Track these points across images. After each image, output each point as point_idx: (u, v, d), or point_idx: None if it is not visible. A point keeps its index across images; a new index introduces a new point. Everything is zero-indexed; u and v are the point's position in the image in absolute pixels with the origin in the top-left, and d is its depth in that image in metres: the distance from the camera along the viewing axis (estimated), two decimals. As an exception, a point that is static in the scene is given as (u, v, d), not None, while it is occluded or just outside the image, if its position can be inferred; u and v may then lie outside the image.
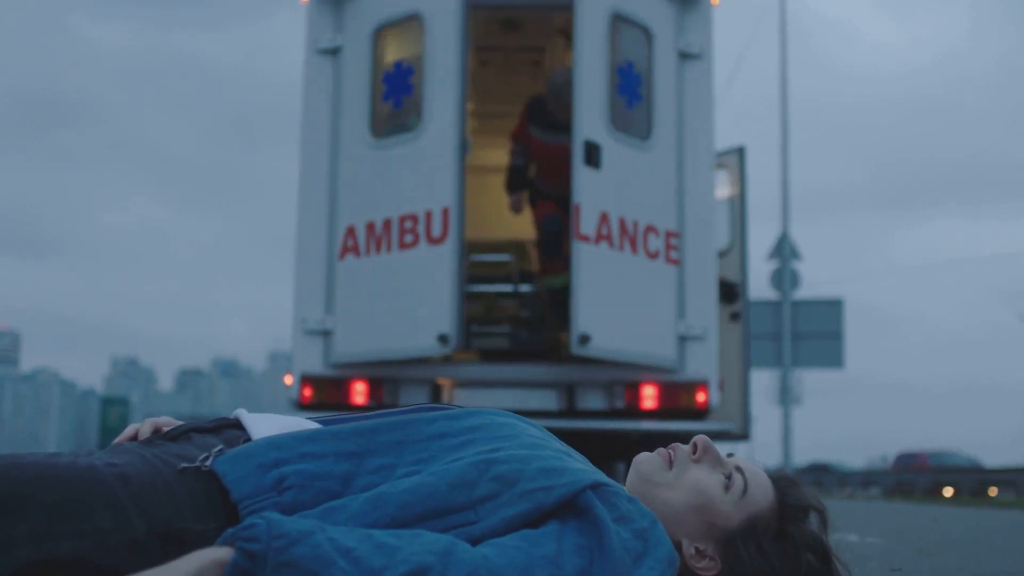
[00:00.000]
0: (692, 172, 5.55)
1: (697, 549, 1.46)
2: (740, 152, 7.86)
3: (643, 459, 1.52)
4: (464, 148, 5.13)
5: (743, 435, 7.79)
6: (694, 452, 1.50)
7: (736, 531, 1.46)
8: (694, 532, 1.46)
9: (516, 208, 6.38)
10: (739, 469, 1.49)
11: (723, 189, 7.75)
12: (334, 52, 5.67)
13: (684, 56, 5.63)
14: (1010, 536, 4.38)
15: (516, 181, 6.48)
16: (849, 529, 4.57)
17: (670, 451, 1.51)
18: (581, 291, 4.98)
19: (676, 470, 1.49)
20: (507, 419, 1.47)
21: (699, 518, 1.46)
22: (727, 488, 1.47)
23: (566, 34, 6.72)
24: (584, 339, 4.94)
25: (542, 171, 6.29)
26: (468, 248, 7.53)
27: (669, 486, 1.48)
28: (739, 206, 7.71)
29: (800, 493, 1.51)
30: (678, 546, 1.45)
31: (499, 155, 8.66)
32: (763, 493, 1.49)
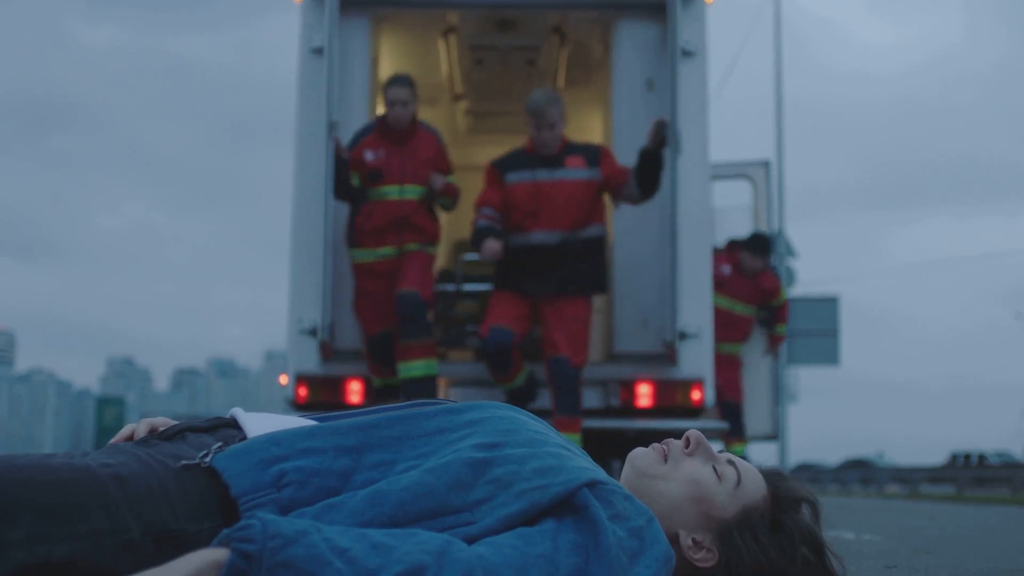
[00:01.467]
0: (688, 170, 5.55)
1: (694, 540, 1.47)
2: (765, 165, 8.03)
3: (637, 454, 1.53)
4: (330, 131, 5.21)
5: (773, 435, 7.86)
6: (687, 446, 1.52)
7: (732, 522, 1.47)
8: (691, 523, 1.47)
9: (490, 253, 5.16)
10: (731, 462, 1.52)
11: (746, 198, 7.94)
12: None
13: (681, 53, 5.63)
14: (1007, 533, 4.38)
15: (483, 237, 5.29)
16: (845, 526, 4.58)
17: (664, 446, 1.53)
18: (682, 284, 5.16)
19: (671, 463, 1.51)
20: (508, 413, 1.47)
21: (696, 509, 1.47)
22: (721, 479, 1.49)
23: (561, 32, 6.71)
24: (683, 335, 5.11)
25: (531, 217, 5.23)
26: (461, 247, 7.54)
27: (664, 478, 1.49)
28: (764, 216, 7.87)
29: (791, 486, 1.53)
30: (675, 538, 1.46)
31: (493, 154, 8.63)
32: (756, 485, 1.51)
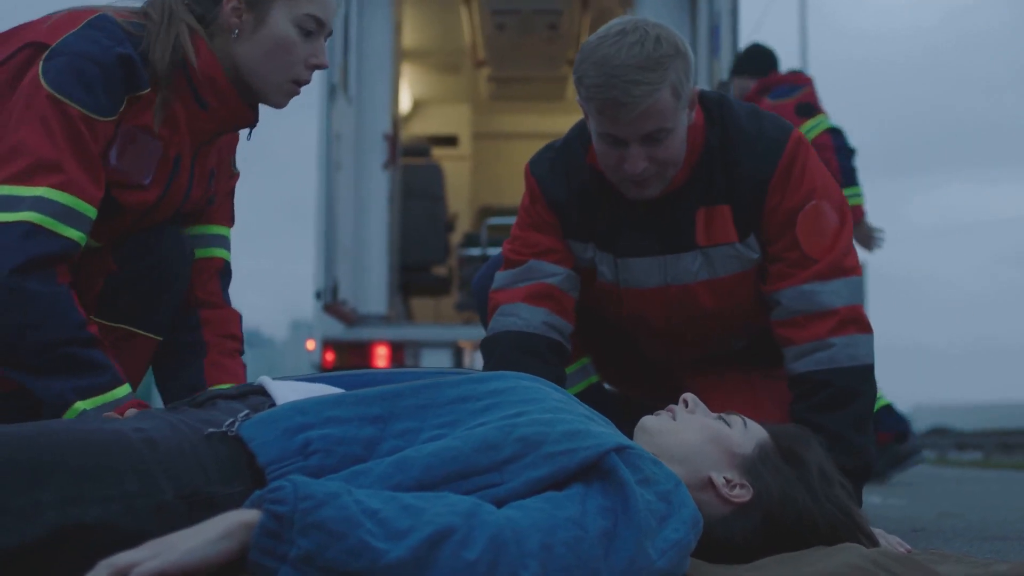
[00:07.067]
0: None
1: (727, 479, 1.51)
2: None
3: (647, 419, 1.59)
4: (331, 94, 5.23)
5: None
6: (686, 407, 1.59)
7: (752, 456, 1.53)
8: (718, 463, 1.52)
9: None
10: (728, 413, 1.59)
11: None
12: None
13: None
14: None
15: None
16: (871, 491, 4.59)
17: (668, 410, 1.59)
18: None
19: (680, 420, 1.57)
20: (531, 383, 1.48)
21: (717, 448, 1.53)
22: (729, 425, 1.56)
23: (583, -4, 6.66)
24: None
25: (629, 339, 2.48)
26: (485, 212, 7.54)
27: (679, 431, 1.55)
28: None
29: (781, 426, 1.61)
30: (708, 482, 1.50)
31: (515, 120, 8.53)
32: (758, 428, 1.58)
